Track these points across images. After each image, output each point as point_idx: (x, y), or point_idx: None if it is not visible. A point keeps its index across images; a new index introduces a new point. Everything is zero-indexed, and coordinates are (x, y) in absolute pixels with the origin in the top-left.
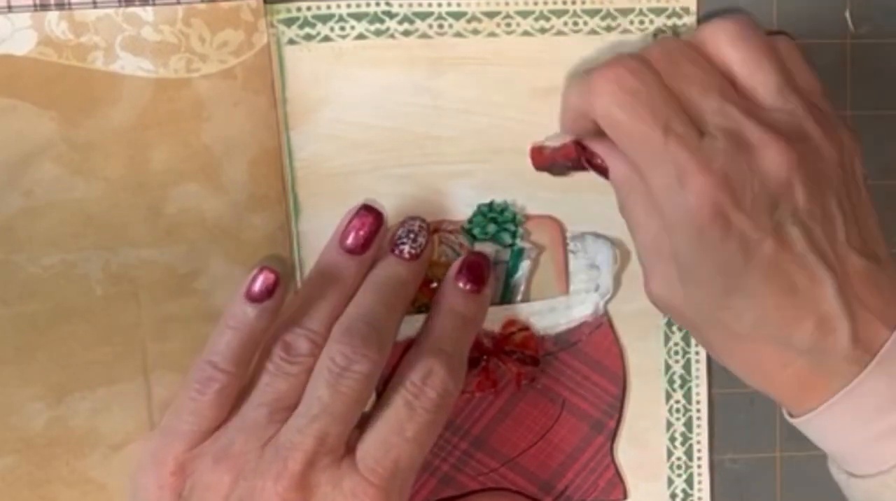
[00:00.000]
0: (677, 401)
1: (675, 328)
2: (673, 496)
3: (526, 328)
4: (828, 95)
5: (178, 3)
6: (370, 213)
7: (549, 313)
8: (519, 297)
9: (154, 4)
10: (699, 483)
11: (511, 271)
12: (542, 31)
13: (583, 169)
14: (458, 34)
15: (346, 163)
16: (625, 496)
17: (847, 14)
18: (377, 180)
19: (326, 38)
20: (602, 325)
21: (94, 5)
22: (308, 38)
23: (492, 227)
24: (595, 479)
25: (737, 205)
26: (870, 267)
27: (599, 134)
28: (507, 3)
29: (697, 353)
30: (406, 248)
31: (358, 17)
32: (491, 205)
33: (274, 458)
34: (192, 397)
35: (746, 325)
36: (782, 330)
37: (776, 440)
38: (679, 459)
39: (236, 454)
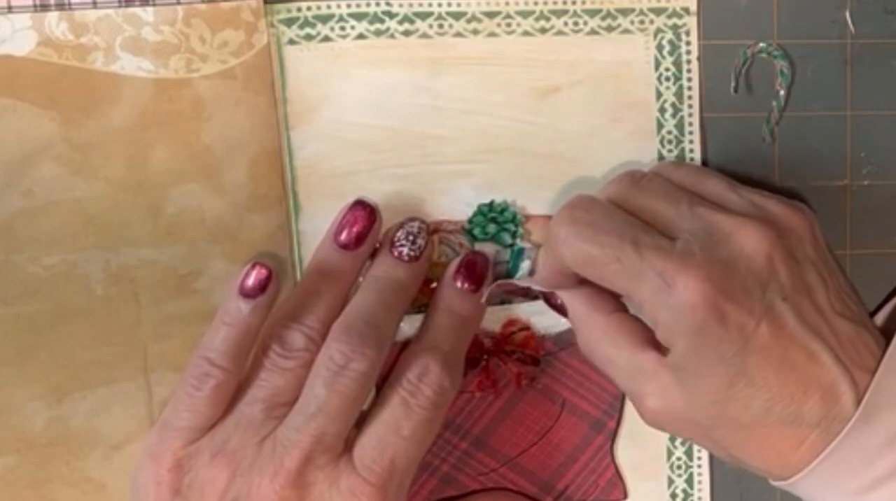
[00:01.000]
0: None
1: None
2: (673, 496)
3: (526, 328)
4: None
5: (179, 3)
6: (363, 209)
7: (549, 312)
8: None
9: (154, 5)
10: (699, 483)
11: (511, 271)
12: (542, 31)
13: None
14: (458, 34)
15: (346, 163)
16: (625, 496)
17: (847, 14)
18: (377, 180)
19: (326, 38)
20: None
21: (94, 6)
22: (308, 38)
23: (492, 227)
24: (595, 479)
25: (727, 295)
26: (857, 330)
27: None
28: (507, 3)
29: None
30: (405, 250)
31: (358, 17)
32: (491, 205)
33: (271, 455)
34: (189, 393)
35: (756, 413)
36: (790, 408)
37: None
38: (679, 459)
39: (233, 450)
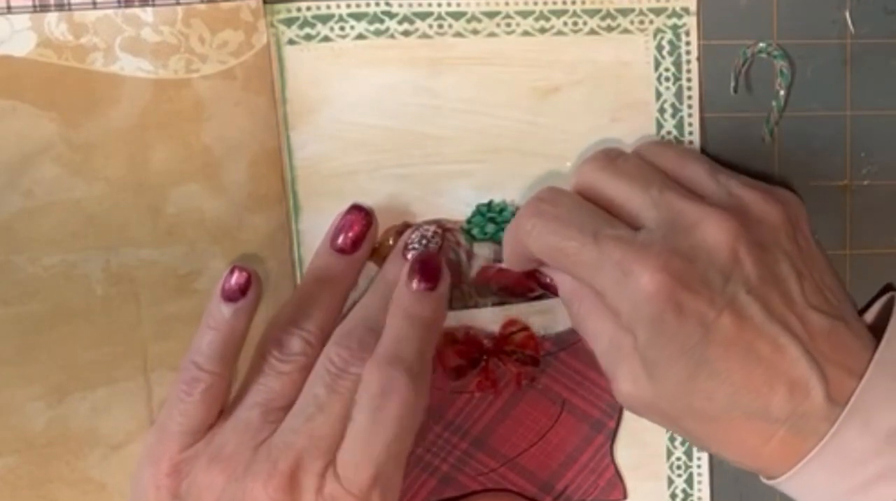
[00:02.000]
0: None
1: None
2: (673, 496)
3: (526, 328)
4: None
5: (178, 3)
6: (359, 213)
7: (549, 313)
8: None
9: (154, 5)
10: (699, 483)
11: None
12: (542, 31)
13: (518, 294)
14: (458, 34)
15: (346, 163)
16: (625, 496)
17: (847, 14)
18: (377, 180)
19: (326, 38)
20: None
21: (94, 6)
22: (308, 38)
23: (491, 227)
24: (595, 479)
25: (686, 286)
26: (833, 325)
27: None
28: (507, 3)
29: None
30: (416, 254)
31: (358, 17)
32: (490, 205)
33: (266, 459)
34: (181, 398)
35: (720, 405)
36: (756, 402)
37: None
38: (679, 459)
39: (229, 455)
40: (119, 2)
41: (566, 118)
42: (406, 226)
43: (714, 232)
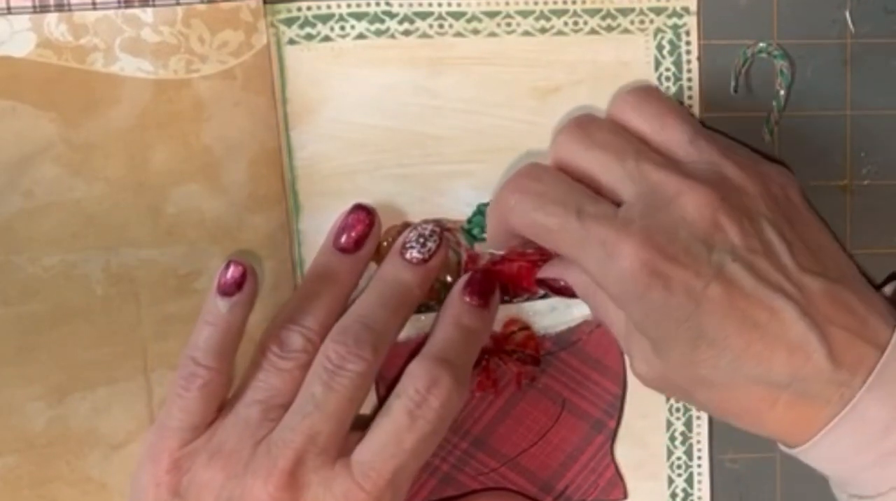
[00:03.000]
0: (677, 400)
1: None
2: (673, 495)
3: (526, 327)
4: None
5: (178, 3)
6: (362, 213)
7: (549, 312)
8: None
9: (153, 5)
10: (699, 482)
11: None
12: (542, 31)
13: (517, 294)
14: (458, 34)
15: (346, 163)
16: (625, 495)
17: (847, 14)
18: (377, 180)
19: (326, 38)
20: (602, 324)
21: (94, 7)
22: (308, 37)
23: None
24: (595, 479)
25: (668, 259)
26: (832, 287)
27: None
28: (507, 3)
29: None
30: (414, 253)
31: (358, 16)
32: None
33: (265, 456)
34: (179, 394)
35: (724, 372)
36: (758, 367)
37: None
38: (679, 459)
39: (229, 452)
40: (119, 2)
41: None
42: (406, 226)
43: (693, 204)
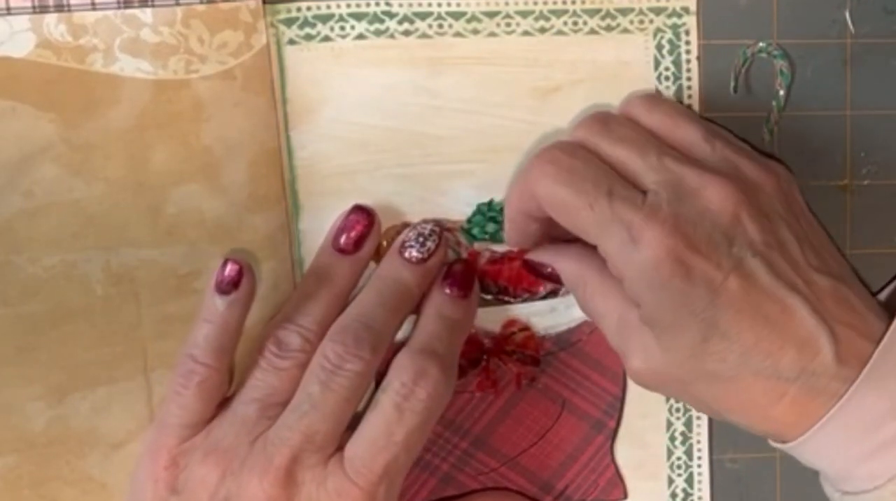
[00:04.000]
0: (677, 400)
1: None
2: (673, 496)
3: (526, 328)
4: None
5: (177, 4)
6: (361, 214)
7: (549, 313)
8: None
9: (153, 6)
10: (699, 482)
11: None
12: (542, 31)
13: (517, 295)
14: (458, 34)
15: (346, 163)
16: (625, 495)
17: (847, 14)
18: (377, 180)
19: (326, 38)
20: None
21: (93, 7)
22: (308, 38)
23: (491, 226)
24: (595, 479)
25: (693, 249)
26: (836, 285)
27: (542, 240)
28: (507, 3)
29: None
30: (413, 252)
31: (358, 17)
32: (490, 205)
33: (262, 453)
34: (178, 391)
35: (732, 366)
36: (767, 361)
37: None
38: (679, 459)
39: (226, 449)
40: (118, 3)
41: (566, 118)
42: (406, 226)
43: (717, 197)
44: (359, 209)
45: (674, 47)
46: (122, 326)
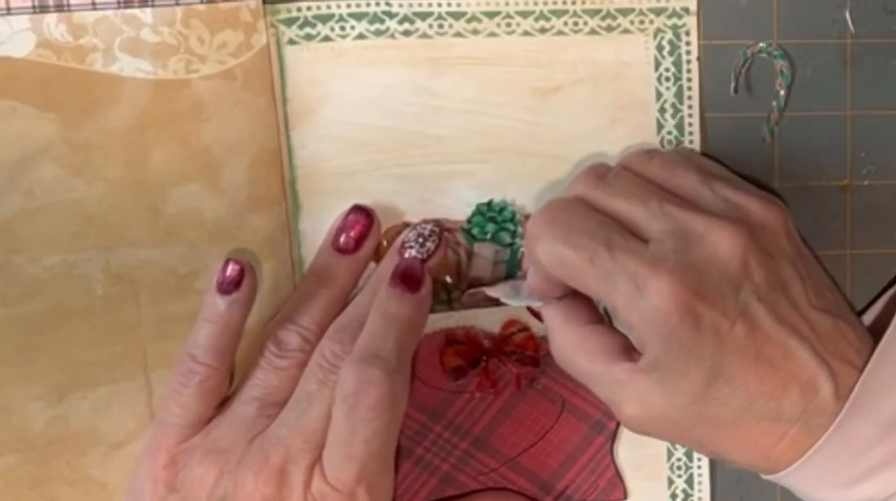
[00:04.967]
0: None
1: None
2: (673, 496)
3: (526, 328)
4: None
5: (177, 4)
6: (360, 214)
7: None
8: None
9: (153, 6)
10: (699, 483)
11: (511, 271)
12: (542, 31)
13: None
14: (458, 34)
15: (346, 163)
16: (625, 496)
17: (847, 14)
18: (377, 180)
19: (326, 38)
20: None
21: (93, 7)
22: (308, 38)
23: (491, 227)
24: (595, 479)
25: (701, 297)
26: (835, 322)
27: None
28: (507, 3)
29: None
30: (412, 252)
31: (358, 17)
32: (489, 205)
33: (258, 452)
34: (177, 390)
35: (735, 410)
36: (770, 404)
37: None
38: (679, 459)
39: (224, 448)
40: (118, 2)
41: (566, 118)
42: (406, 226)
43: (724, 243)
44: (358, 209)
45: (674, 47)
46: (122, 326)
